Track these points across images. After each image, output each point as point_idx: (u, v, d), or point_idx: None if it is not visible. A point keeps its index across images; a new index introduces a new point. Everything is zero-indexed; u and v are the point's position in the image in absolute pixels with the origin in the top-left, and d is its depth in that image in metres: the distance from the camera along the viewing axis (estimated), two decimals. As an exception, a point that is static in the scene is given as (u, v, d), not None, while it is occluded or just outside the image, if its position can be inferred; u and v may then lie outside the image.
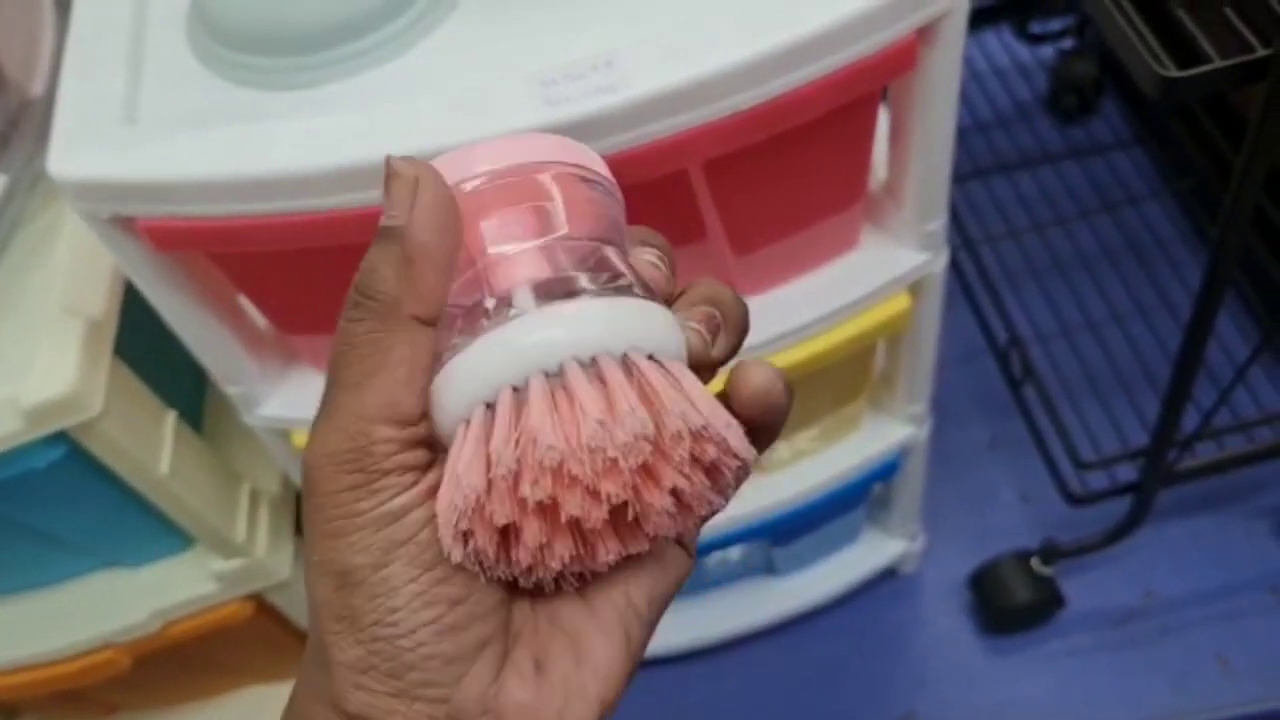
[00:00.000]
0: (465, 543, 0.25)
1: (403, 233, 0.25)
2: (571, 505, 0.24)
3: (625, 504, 0.25)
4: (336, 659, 0.25)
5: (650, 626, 0.28)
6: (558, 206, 0.27)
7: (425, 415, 0.26)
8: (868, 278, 0.68)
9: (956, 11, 0.55)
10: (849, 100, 0.55)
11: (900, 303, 0.70)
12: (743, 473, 0.26)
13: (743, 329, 0.29)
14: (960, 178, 1.21)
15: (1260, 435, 0.95)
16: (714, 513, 0.27)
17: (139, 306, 0.64)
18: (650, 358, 0.25)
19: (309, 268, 0.60)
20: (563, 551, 0.25)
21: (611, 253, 0.28)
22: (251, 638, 0.90)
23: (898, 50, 0.54)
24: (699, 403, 0.25)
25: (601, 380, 0.24)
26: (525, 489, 0.24)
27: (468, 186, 0.27)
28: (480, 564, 0.25)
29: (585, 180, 0.28)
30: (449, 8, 0.57)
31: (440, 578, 0.25)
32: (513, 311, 0.25)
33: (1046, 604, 1.00)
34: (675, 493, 0.25)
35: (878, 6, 0.51)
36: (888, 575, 1.08)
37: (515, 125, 0.51)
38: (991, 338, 1.06)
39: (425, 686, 0.25)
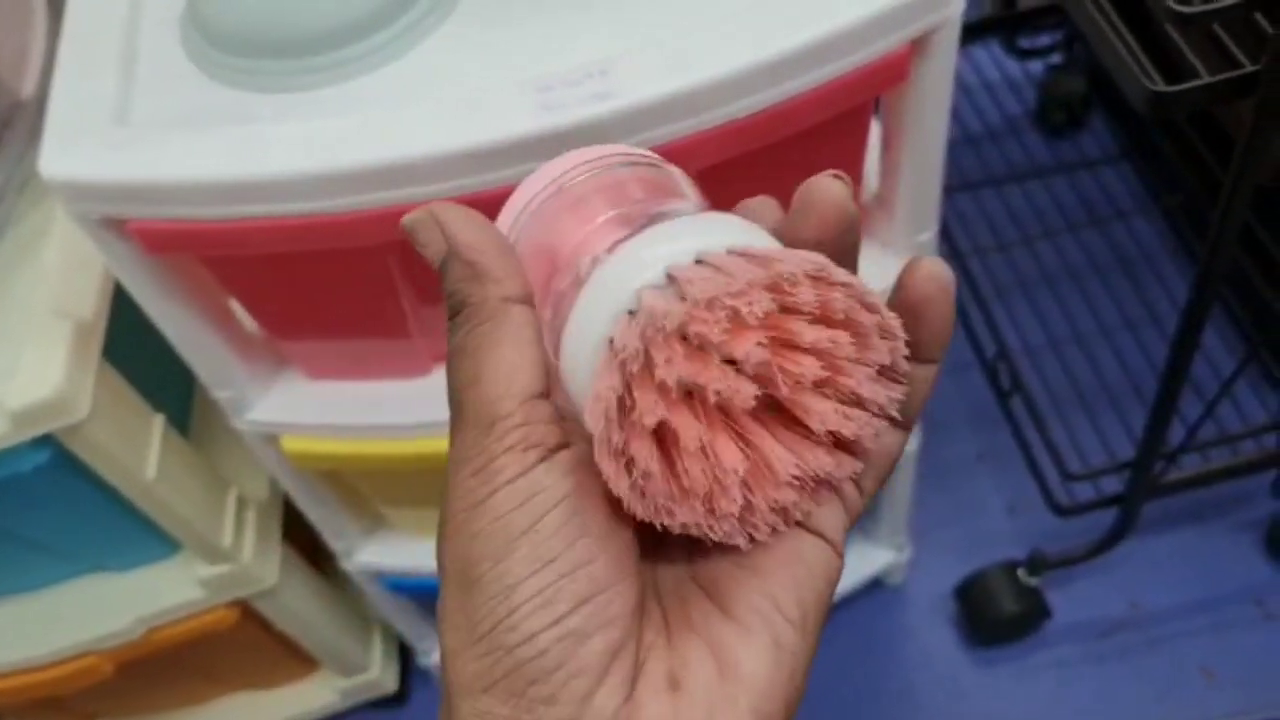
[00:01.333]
0: (629, 471, 0.23)
1: (449, 254, 0.26)
2: (712, 380, 0.22)
3: (784, 406, 0.23)
4: (456, 681, 0.23)
5: (808, 632, 0.25)
6: (630, 181, 0.28)
7: (547, 393, 0.25)
8: (859, 287, 0.68)
9: (949, 23, 0.55)
10: (842, 110, 0.55)
11: (891, 313, 0.70)
12: (892, 340, 0.24)
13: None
14: (948, 190, 1.21)
15: (1245, 448, 0.96)
16: (885, 410, 0.25)
17: (128, 309, 0.63)
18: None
19: (301, 272, 0.60)
20: (729, 455, 0.23)
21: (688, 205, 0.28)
22: (237, 645, 0.89)
23: (891, 61, 0.54)
24: (813, 256, 0.23)
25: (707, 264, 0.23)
26: (659, 368, 0.22)
27: (544, 196, 0.28)
28: (649, 497, 0.23)
29: (641, 164, 0.29)
30: (445, 13, 0.57)
31: (564, 571, 0.23)
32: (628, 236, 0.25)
33: (1033, 615, 1.00)
34: (818, 354, 0.23)
35: (872, 18, 0.51)
36: (875, 586, 1.08)
37: (511, 131, 0.51)
38: (980, 350, 1.06)
39: (548, 704, 0.22)
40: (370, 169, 0.51)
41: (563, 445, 0.25)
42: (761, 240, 0.25)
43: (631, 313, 0.23)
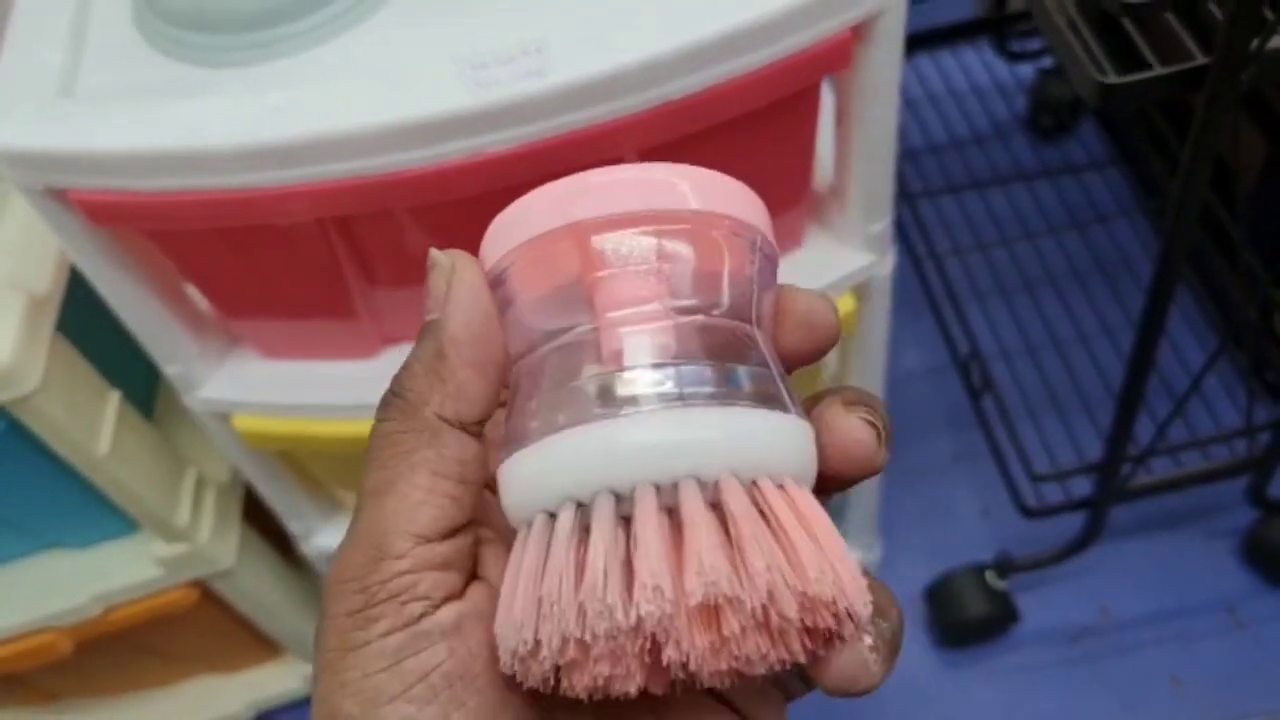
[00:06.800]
0: (521, 664, 0.21)
1: (437, 326, 0.23)
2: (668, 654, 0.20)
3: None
4: None
5: None
6: (702, 271, 0.23)
7: (452, 533, 0.23)
8: (810, 278, 0.68)
9: (892, 10, 0.55)
10: (783, 95, 0.55)
11: (845, 305, 0.70)
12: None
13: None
14: (932, 192, 1.21)
15: (1216, 454, 0.95)
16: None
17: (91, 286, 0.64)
18: (780, 487, 0.22)
19: (247, 250, 0.60)
20: (629, 688, 0.21)
21: (756, 336, 0.23)
22: (196, 626, 0.89)
23: (831, 46, 0.54)
24: (836, 563, 0.21)
25: (717, 506, 0.21)
26: (620, 641, 0.20)
27: (603, 224, 0.23)
28: (527, 684, 0.22)
29: (744, 239, 0.23)
30: (389, -9, 0.57)
31: None
32: (628, 405, 0.21)
33: (1000, 618, 0.99)
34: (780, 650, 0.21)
35: (806, 2, 0.51)
36: (845, 586, 1.07)
37: (445, 107, 0.51)
38: (955, 351, 1.06)
39: None
40: (305, 143, 0.51)
41: (452, 595, 0.23)
42: (796, 454, 0.22)
43: (619, 498, 0.21)
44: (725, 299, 0.23)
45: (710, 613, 0.20)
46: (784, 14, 0.51)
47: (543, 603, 0.20)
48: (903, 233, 1.14)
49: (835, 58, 0.55)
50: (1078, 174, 1.26)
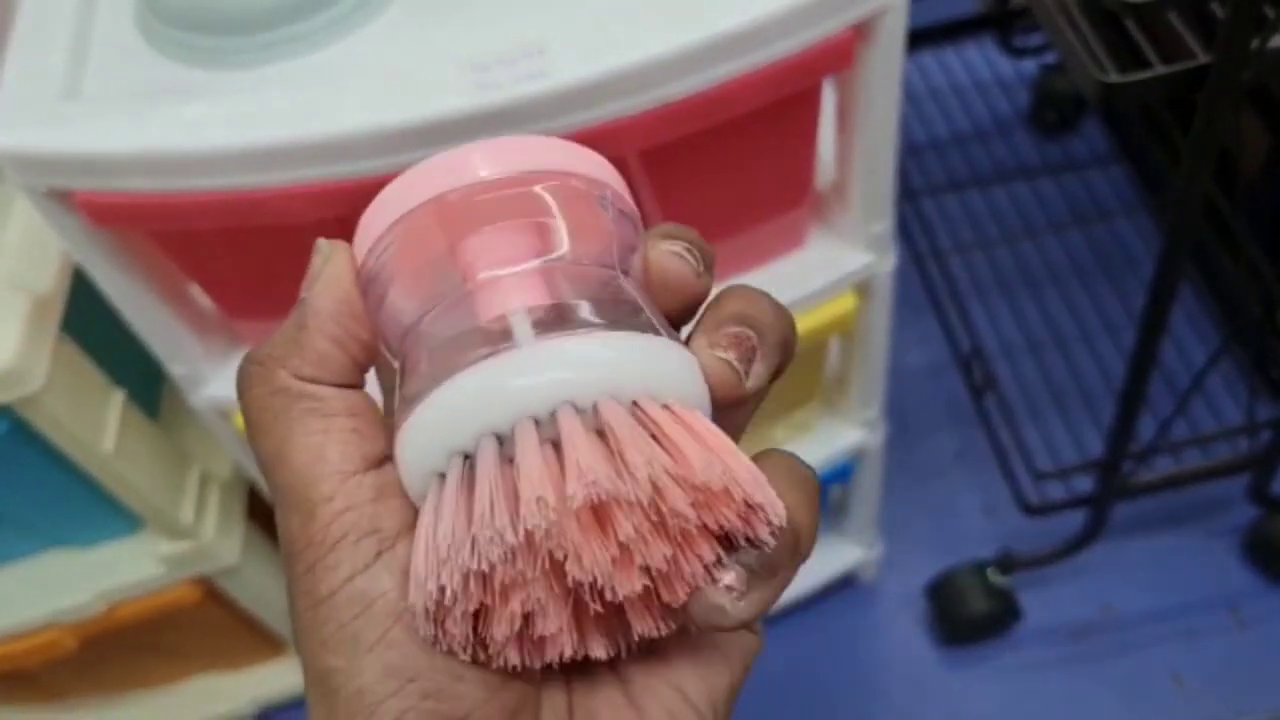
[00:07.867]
0: (438, 626, 0.21)
1: (303, 303, 0.24)
2: (573, 572, 0.20)
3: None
4: None
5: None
6: (561, 224, 0.23)
7: (373, 463, 0.23)
8: (811, 277, 0.68)
9: (894, 10, 0.55)
10: (784, 96, 0.55)
11: (846, 303, 0.70)
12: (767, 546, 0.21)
13: (785, 347, 0.24)
14: (935, 189, 1.21)
15: (1218, 451, 0.95)
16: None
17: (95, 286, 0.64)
18: (665, 406, 0.21)
19: (251, 250, 0.60)
20: (551, 629, 0.21)
21: (623, 281, 0.24)
22: (200, 623, 0.90)
23: (832, 47, 0.54)
24: (726, 456, 0.20)
25: (601, 432, 0.21)
26: (519, 566, 0.20)
27: (458, 194, 0.23)
28: (453, 648, 0.21)
29: (595, 196, 0.24)
30: (391, -7, 0.57)
31: (429, 690, 0.21)
32: (503, 345, 0.21)
33: (1002, 616, 0.99)
34: (684, 563, 0.21)
35: (808, 2, 0.51)
36: (846, 584, 1.07)
37: (447, 108, 0.51)
38: (957, 348, 1.06)
39: None
40: (306, 145, 0.51)
41: (406, 527, 0.22)
42: (675, 374, 0.22)
43: (501, 439, 0.21)
44: (591, 250, 0.23)
45: (601, 517, 0.20)
46: (785, 14, 0.51)
47: (440, 549, 0.20)
48: (905, 230, 1.14)
49: (837, 58, 0.55)
50: (1081, 171, 1.25)
